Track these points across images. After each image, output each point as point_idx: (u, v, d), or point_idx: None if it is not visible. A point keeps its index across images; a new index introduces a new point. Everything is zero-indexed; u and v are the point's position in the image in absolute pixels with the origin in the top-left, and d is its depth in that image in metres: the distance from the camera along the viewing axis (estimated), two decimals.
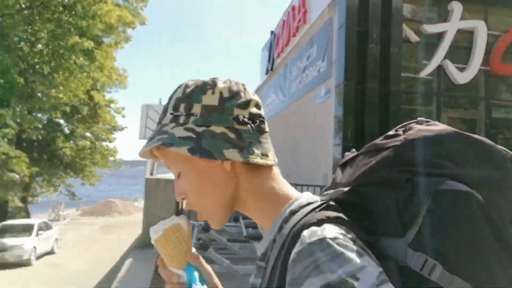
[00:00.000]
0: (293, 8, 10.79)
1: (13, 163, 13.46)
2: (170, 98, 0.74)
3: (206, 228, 5.66)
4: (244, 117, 0.70)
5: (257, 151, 0.70)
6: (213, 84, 0.71)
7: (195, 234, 5.54)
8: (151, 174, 9.30)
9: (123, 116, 21.86)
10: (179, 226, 0.73)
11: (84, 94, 16.48)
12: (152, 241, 0.74)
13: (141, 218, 8.76)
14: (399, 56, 7.39)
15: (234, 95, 0.71)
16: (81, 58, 14.25)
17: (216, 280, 0.80)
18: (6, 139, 14.74)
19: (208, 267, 0.80)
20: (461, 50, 7.96)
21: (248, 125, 0.70)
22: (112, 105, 21.01)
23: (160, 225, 0.73)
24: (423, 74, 7.74)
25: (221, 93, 0.70)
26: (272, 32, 13.90)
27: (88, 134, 20.35)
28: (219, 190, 0.71)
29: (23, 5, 12.79)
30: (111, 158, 21.61)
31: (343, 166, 0.76)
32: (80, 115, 18.56)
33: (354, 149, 0.77)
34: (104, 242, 17.77)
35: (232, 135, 0.69)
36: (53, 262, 14.68)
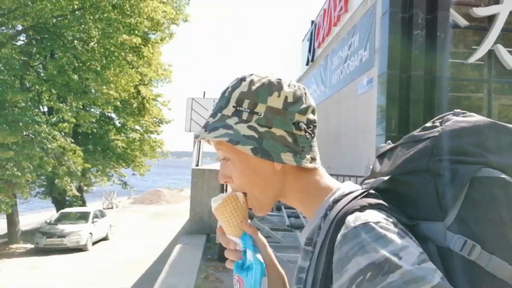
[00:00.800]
0: None
1: (69, 156, 14.39)
2: (233, 89, 0.75)
3: (249, 217, 5.84)
4: (303, 123, 0.74)
5: (308, 156, 0.74)
6: (279, 86, 0.74)
7: None
8: (197, 165, 9.64)
9: (170, 109, 22.55)
10: (236, 197, 0.79)
11: (133, 89, 17.23)
12: (213, 210, 0.81)
13: (188, 206, 9.15)
14: (446, 41, 7.12)
15: (297, 100, 0.75)
16: (130, 55, 14.92)
17: (269, 251, 0.83)
18: (63, 133, 15.82)
19: (263, 238, 0.83)
20: None
21: (305, 131, 0.74)
22: (159, 99, 21.77)
23: (219, 195, 0.81)
24: (472, 59, 7.40)
25: (286, 97, 0.74)
26: (312, 22, 13.73)
27: (137, 127, 21.20)
28: (266, 184, 0.76)
29: (75, 6, 13.54)
30: (159, 150, 22.43)
31: (381, 157, 0.79)
32: (130, 109, 19.41)
33: (389, 141, 0.81)
34: (154, 229, 18.62)
35: (290, 139, 0.73)
36: (107, 247, 15.67)
